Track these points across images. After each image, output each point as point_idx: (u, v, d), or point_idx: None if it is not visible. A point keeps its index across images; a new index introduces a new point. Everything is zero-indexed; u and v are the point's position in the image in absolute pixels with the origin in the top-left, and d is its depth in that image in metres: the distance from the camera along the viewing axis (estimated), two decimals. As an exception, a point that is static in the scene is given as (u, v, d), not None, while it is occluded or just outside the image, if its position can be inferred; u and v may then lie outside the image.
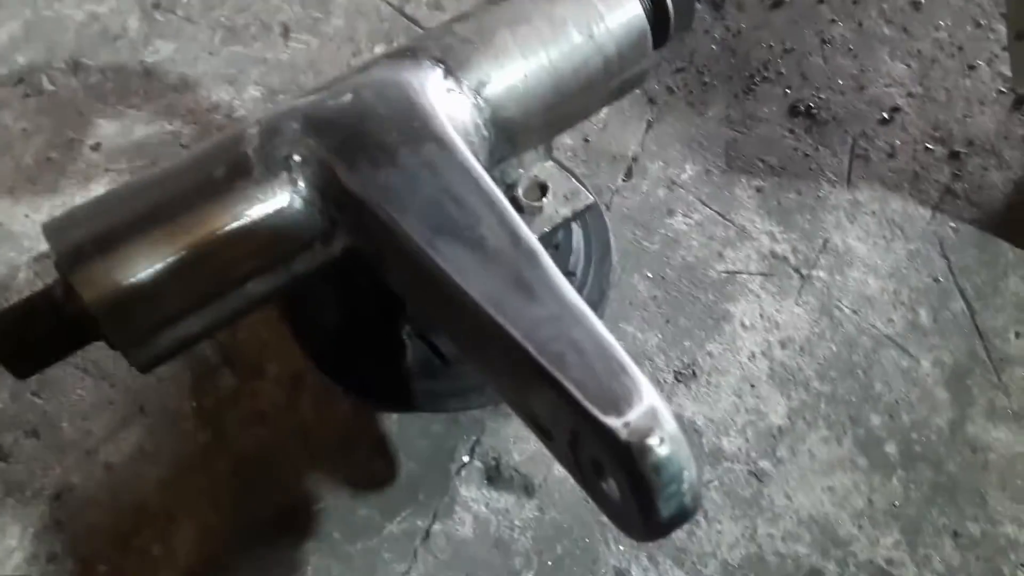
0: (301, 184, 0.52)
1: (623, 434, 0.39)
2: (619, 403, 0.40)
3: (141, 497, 0.74)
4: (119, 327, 0.49)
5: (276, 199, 0.51)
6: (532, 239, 0.48)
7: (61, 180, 0.91)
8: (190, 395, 0.78)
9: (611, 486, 0.42)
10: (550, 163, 0.67)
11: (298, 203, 0.51)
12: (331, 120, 0.53)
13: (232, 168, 0.51)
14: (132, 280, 0.48)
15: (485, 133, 0.58)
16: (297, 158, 0.52)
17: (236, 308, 0.53)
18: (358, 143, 0.52)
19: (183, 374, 0.79)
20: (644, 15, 0.62)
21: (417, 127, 0.53)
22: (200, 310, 0.51)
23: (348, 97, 0.55)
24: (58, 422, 0.77)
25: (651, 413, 0.40)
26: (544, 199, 0.65)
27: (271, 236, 0.51)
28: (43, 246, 0.87)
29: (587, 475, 0.44)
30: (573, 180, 0.66)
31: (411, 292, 0.54)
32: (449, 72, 0.57)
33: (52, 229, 0.51)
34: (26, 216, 0.90)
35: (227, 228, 0.50)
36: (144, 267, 0.48)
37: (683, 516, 0.40)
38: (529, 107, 0.58)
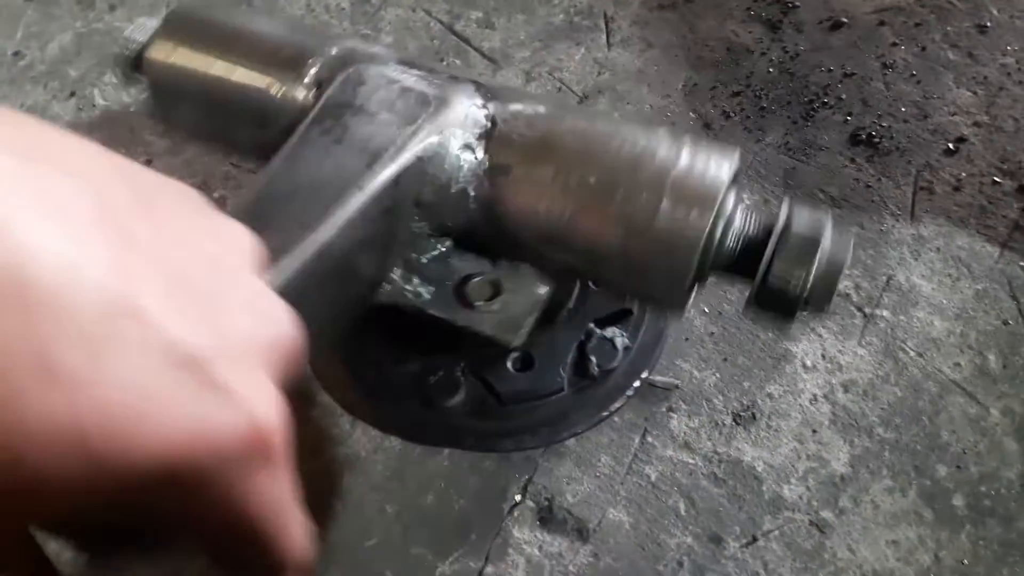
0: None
1: None
2: None
3: None
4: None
5: None
6: None
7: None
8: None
9: None
10: (541, 294, 0.58)
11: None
12: (360, 80, 0.56)
13: None
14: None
15: (472, 205, 0.56)
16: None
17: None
18: (342, 110, 0.54)
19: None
20: (698, 249, 0.50)
21: (380, 140, 0.52)
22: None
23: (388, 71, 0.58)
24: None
25: None
26: (483, 303, 0.57)
27: None
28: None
29: None
30: (527, 322, 0.57)
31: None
32: (486, 134, 0.56)
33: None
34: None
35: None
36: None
37: None
38: (527, 225, 0.55)
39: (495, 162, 0.56)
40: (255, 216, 0.45)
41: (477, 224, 0.56)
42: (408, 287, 0.58)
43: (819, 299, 0.50)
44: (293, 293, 0.38)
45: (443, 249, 0.60)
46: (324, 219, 0.47)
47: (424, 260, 0.59)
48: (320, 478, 0.74)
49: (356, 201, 0.49)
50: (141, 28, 0.65)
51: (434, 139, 0.53)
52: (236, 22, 0.64)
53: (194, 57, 0.61)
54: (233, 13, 0.65)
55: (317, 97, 0.57)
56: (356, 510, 0.73)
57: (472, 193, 0.55)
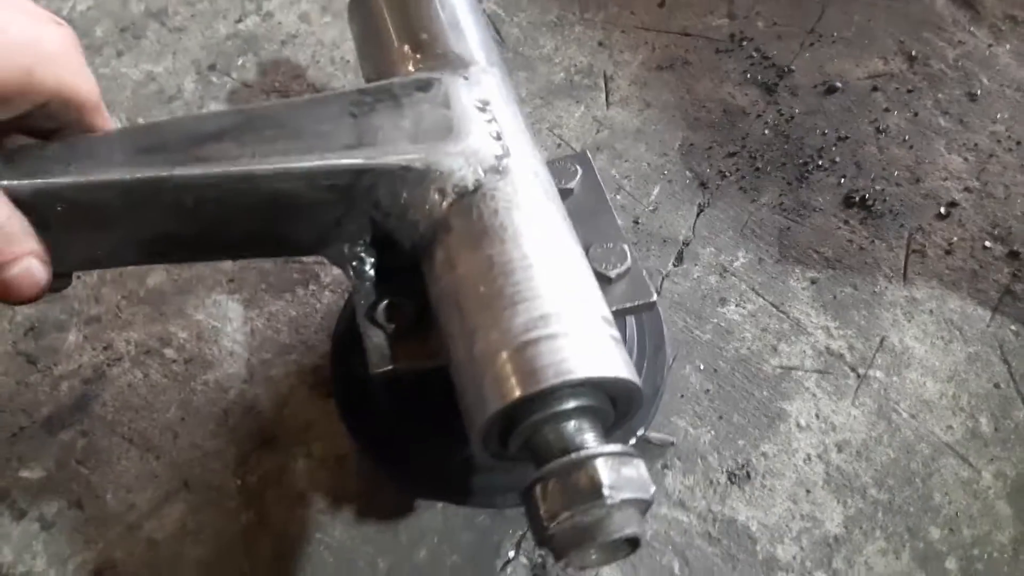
0: None
1: None
2: None
3: (181, 578, 0.73)
4: None
5: None
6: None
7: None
8: (234, 472, 0.77)
9: None
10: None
11: None
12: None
13: None
14: None
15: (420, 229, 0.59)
16: None
17: None
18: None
19: (228, 450, 0.79)
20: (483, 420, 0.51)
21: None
22: None
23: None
24: (102, 493, 0.77)
25: None
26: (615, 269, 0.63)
27: None
28: (93, 309, 0.87)
29: None
30: (647, 278, 0.65)
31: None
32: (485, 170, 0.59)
33: None
34: (77, 277, 0.90)
35: None
36: None
37: None
38: (434, 277, 0.59)
39: (450, 218, 0.57)
40: (237, 131, 0.56)
41: (404, 251, 0.59)
42: None
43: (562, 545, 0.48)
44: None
45: None
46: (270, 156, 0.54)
47: None
48: (311, 528, 0.74)
49: (313, 160, 0.55)
50: None
51: (423, 165, 0.57)
52: None
53: None
54: None
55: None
56: (348, 564, 0.73)
57: (420, 229, 0.58)
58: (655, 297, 0.63)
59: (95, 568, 0.73)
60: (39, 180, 0.51)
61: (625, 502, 0.48)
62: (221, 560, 0.73)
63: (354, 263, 0.61)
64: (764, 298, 0.86)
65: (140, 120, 1.04)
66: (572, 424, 0.52)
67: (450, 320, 0.55)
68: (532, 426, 0.51)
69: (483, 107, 0.62)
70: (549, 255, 0.56)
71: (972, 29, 1.09)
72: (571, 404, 0.51)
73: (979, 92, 1.03)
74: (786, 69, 1.06)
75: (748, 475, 0.75)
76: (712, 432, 0.78)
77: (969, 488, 0.75)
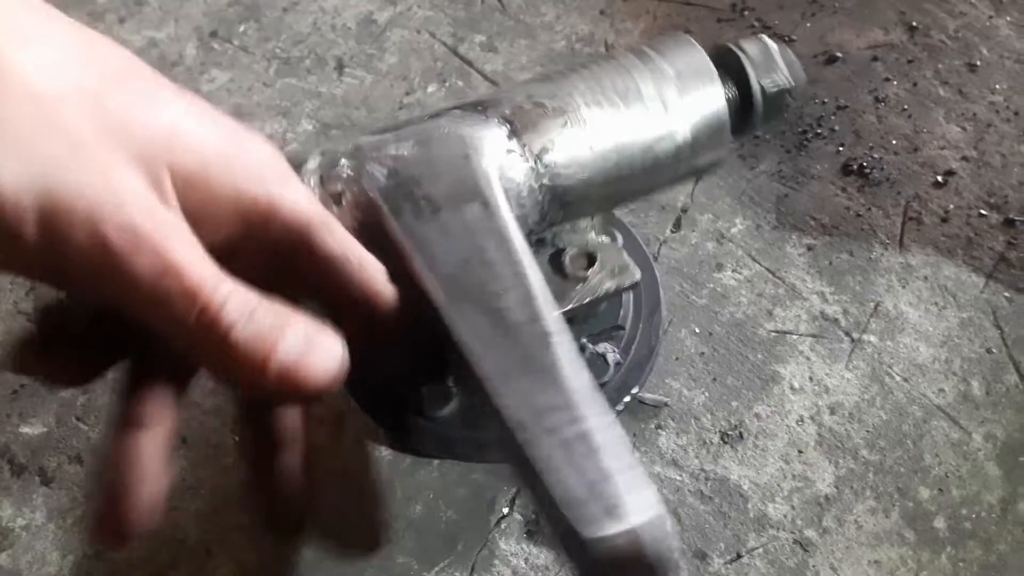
0: (347, 222, 0.52)
1: (596, 552, 0.37)
2: (598, 518, 0.38)
3: (180, 530, 0.74)
4: None
5: None
6: (553, 321, 0.46)
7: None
8: (232, 429, 0.78)
9: None
10: (604, 237, 0.67)
11: None
12: (390, 164, 0.53)
13: None
14: None
15: (539, 197, 0.58)
16: (349, 196, 0.52)
17: None
18: (407, 190, 0.52)
19: (226, 408, 0.79)
20: (726, 105, 0.60)
21: (467, 185, 0.52)
22: None
23: (410, 143, 0.55)
24: (102, 449, 0.78)
25: (631, 536, 0.37)
26: (590, 270, 0.64)
27: None
28: (95, 271, 0.88)
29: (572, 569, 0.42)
30: (624, 256, 0.65)
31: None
32: (514, 133, 0.57)
33: None
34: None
35: None
36: None
37: None
38: (590, 179, 0.58)
39: (533, 149, 0.58)
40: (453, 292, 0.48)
41: (546, 210, 0.58)
42: None
43: (798, 79, 0.62)
44: None
45: None
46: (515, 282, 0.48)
47: None
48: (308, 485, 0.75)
49: (512, 243, 0.50)
50: None
51: (493, 154, 0.55)
52: None
53: None
54: None
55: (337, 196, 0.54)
56: (344, 518, 0.74)
57: (535, 185, 0.57)
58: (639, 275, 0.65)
59: (95, 521, 0.74)
60: None
61: None
62: (219, 513, 0.74)
63: None
64: (760, 264, 0.87)
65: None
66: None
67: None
68: None
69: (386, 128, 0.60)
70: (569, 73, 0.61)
71: (973, 0, 1.09)
72: None
73: (979, 63, 1.03)
74: (787, 39, 1.06)
75: (741, 435, 0.76)
76: (706, 394, 0.79)
77: (959, 449, 0.75)
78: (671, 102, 0.59)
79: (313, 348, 0.37)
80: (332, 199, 0.52)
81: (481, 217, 0.51)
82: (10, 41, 0.33)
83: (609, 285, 0.64)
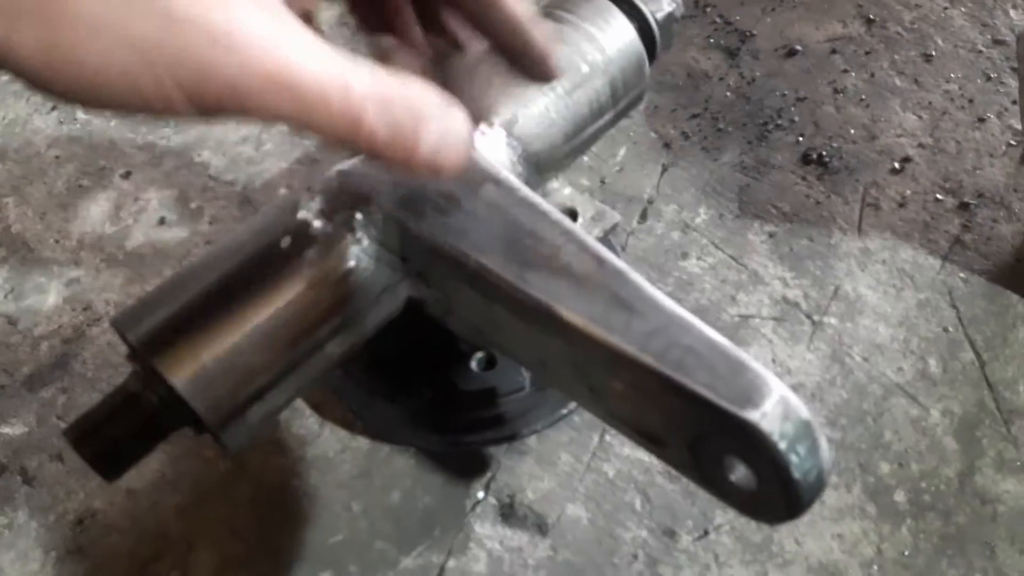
0: (365, 241, 0.53)
1: (764, 425, 0.40)
2: (752, 397, 0.41)
3: (162, 524, 0.75)
4: (210, 405, 0.49)
5: (343, 261, 0.52)
6: (615, 258, 0.49)
7: (92, 207, 0.93)
8: (211, 424, 0.80)
9: (741, 478, 0.43)
10: (569, 189, 0.70)
11: (364, 260, 0.53)
12: (387, 177, 0.54)
13: (295, 236, 0.53)
14: (216, 356, 0.49)
15: (520, 169, 0.61)
16: (359, 216, 0.54)
17: (316, 371, 0.54)
18: (419, 194, 0.53)
19: (205, 403, 0.81)
20: (639, 40, 0.68)
21: (470, 172, 0.53)
22: (284, 378, 0.52)
23: None
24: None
25: (784, 402, 0.41)
26: (577, 222, 0.67)
27: (342, 296, 0.53)
28: (72, 272, 0.89)
29: (711, 473, 0.45)
30: (596, 202, 0.70)
31: (488, 332, 0.55)
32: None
33: (124, 320, 0.51)
34: (56, 241, 0.92)
35: (299, 296, 0.51)
36: (225, 343, 0.49)
37: (820, 491, 0.42)
38: (553, 139, 0.64)
39: (503, 126, 0.63)
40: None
41: (527, 179, 0.62)
42: None
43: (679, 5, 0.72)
44: None
45: None
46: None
47: None
48: (287, 477, 0.77)
49: (539, 205, 0.53)
50: None
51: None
52: (186, 276, 0.54)
53: (214, 330, 0.50)
54: (166, 283, 0.54)
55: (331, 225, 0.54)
56: (323, 508, 0.75)
57: (514, 158, 0.62)
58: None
59: (76, 518, 0.75)
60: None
61: None
62: (199, 506, 0.75)
63: None
64: (724, 251, 0.89)
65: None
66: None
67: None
68: None
69: None
70: None
71: (928, -7, 1.12)
72: None
73: (934, 53, 1.06)
74: (748, 34, 1.09)
75: (707, 417, 0.78)
76: (673, 378, 0.81)
77: (918, 425, 0.78)
78: (596, 48, 0.66)
79: (447, 139, 0.39)
80: (342, 226, 0.53)
81: (500, 194, 0.53)
82: None
83: (596, 231, 0.68)
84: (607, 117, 0.68)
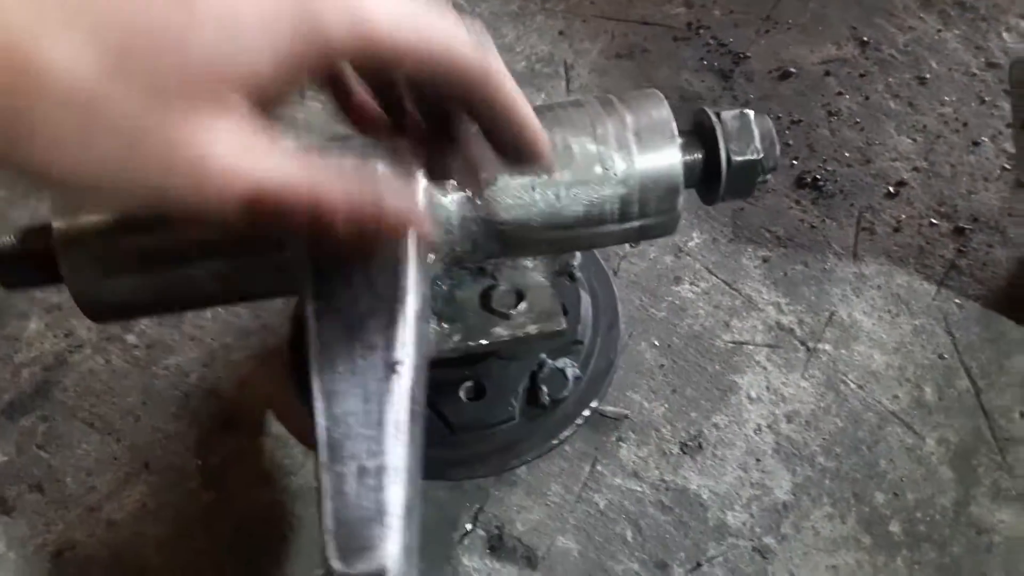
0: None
1: None
2: (354, 551, 0.39)
3: (142, 557, 0.73)
4: (74, 258, 0.53)
5: None
6: (409, 356, 0.46)
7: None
8: (195, 453, 0.78)
9: None
10: (539, 276, 0.65)
11: None
12: None
13: None
14: (93, 218, 0.53)
15: (473, 228, 0.57)
16: None
17: (184, 285, 0.55)
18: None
19: (189, 432, 0.79)
20: (681, 168, 0.58)
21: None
22: (149, 271, 0.55)
23: (351, 157, 0.55)
24: (62, 477, 0.78)
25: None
26: (515, 309, 0.63)
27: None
28: (54, 298, 0.88)
29: None
30: (555, 302, 0.64)
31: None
32: None
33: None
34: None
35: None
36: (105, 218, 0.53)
37: None
38: (529, 218, 0.57)
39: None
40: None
41: (480, 242, 0.58)
42: (444, 335, 0.62)
43: (770, 158, 0.60)
44: None
45: (445, 287, 0.62)
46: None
47: (438, 303, 0.61)
48: (271, 508, 0.75)
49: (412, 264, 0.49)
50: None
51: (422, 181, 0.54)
52: None
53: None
54: None
55: None
56: (307, 539, 0.74)
57: (470, 215, 0.57)
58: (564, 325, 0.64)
59: (55, 549, 0.74)
60: None
61: None
62: (180, 538, 0.74)
63: None
64: (717, 276, 0.88)
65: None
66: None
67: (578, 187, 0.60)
68: None
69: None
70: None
71: (922, 15, 1.11)
72: None
73: (928, 76, 1.05)
74: (742, 56, 1.08)
75: (700, 446, 0.77)
76: (666, 405, 0.80)
77: (913, 454, 0.77)
78: (625, 157, 0.57)
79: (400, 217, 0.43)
80: None
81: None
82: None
83: (531, 329, 0.62)
84: (610, 228, 0.59)
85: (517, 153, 0.46)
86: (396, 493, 0.41)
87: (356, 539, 0.39)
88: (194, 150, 0.35)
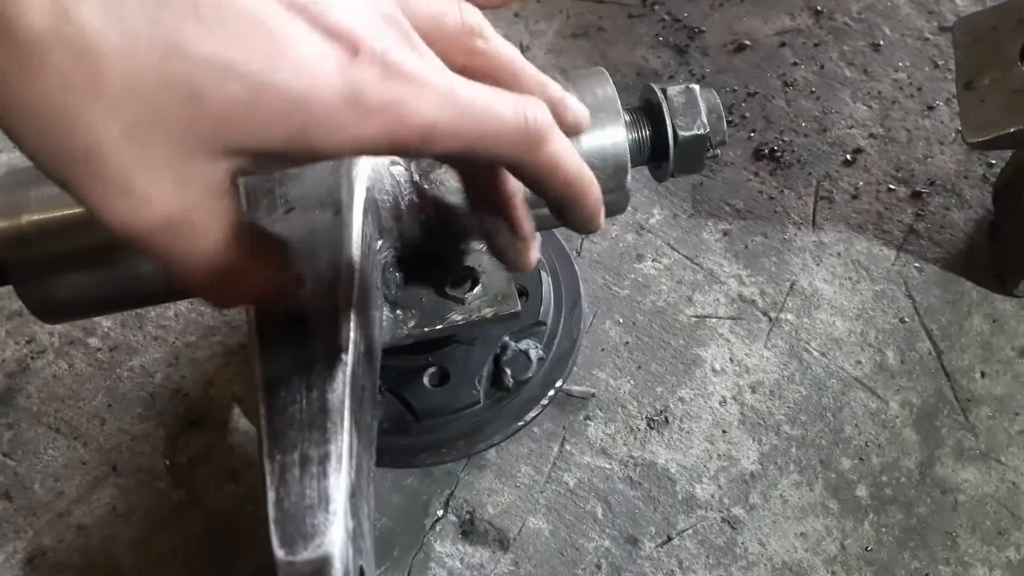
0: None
1: (283, 572, 0.38)
2: (298, 540, 0.39)
3: (114, 559, 0.73)
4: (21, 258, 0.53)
5: None
6: (352, 343, 0.46)
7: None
8: (163, 453, 0.78)
9: None
10: (495, 264, 0.63)
11: None
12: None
13: None
14: (36, 217, 0.53)
15: (422, 215, 0.57)
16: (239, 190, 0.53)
17: (132, 280, 0.55)
18: (269, 186, 0.51)
19: (156, 432, 0.79)
20: (626, 146, 0.58)
21: (325, 190, 0.51)
22: (95, 268, 0.54)
23: None
24: (30, 483, 0.77)
25: (320, 562, 0.38)
26: (469, 293, 0.62)
27: None
28: (15, 304, 0.87)
29: None
30: (511, 286, 0.62)
31: None
32: None
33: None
34: None
35: None
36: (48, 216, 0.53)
37: None
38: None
39: (420, 165, 0.58)
40: None
41: (428, 227, 0.58)
42: (398, 322, 0.61)
43: (717, 132, 0.61)
44: None
45: (399, 274, 0.62)
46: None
47: (394, 291, 0.61)
48: (241, 505, 0.75)
49: (354, 252, 0.49)
50: None
51: (368, 167, 0.54)
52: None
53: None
54: None
55: None
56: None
57: (417, 201, 0.57)
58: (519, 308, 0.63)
59: (25, 556, 0.73)
60: None
61: None
62: (152, 539, 0.74)
63: None
64: (679, 252, 0.89)
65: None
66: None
67: None
68: None
69: None
70: None
71: (874, -18, 1.12)
72: None
73: (882, 42, 1.06)
74: (697, 30, 1.08)
75: (666, 420, 0.78)
76: (632, 382, 0.80)
77: (877, 418, 0.78)
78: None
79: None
80: None
81: (329, 224, 0.50)
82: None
83: (487, 312, 0.62)
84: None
85: (578, 226, 0.47)
86: (340, 480, 0.41)
87: (300, 528, 0.39)
88: (125, 171, 0.32)
